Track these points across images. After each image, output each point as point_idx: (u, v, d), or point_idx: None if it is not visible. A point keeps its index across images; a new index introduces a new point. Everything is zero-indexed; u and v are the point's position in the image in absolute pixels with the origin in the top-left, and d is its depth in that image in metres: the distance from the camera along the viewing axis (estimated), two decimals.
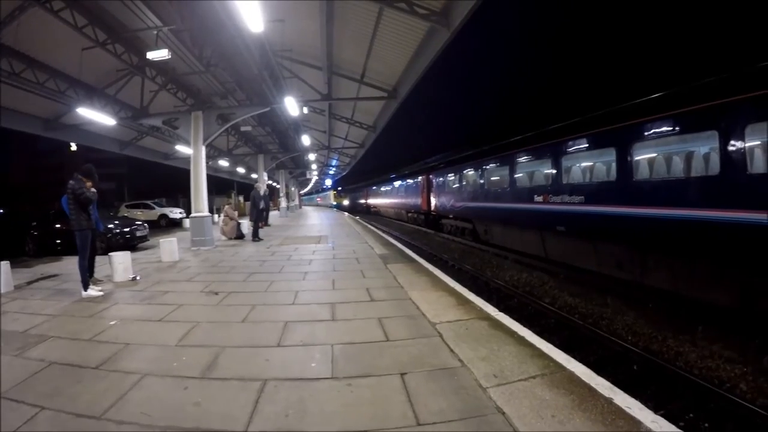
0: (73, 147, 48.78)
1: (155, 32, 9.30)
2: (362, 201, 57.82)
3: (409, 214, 31.57)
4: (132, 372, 3.65)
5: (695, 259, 7.77)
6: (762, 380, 5.32)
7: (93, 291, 6.78)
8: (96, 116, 13.01)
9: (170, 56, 9.46)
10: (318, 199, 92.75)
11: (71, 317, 5.57)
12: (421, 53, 11.96)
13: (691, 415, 4.71)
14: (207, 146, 13.59)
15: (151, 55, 9.28)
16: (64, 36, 10.36)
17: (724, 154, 6.96)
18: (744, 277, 6.88)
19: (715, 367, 5.76)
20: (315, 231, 18.25)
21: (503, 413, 2.83)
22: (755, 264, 6.56)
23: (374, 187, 49.75)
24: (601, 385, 3.23)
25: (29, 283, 8.01)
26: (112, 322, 5.22)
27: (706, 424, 4.54)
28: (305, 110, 17.97)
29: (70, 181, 6.68)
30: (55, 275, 8.72)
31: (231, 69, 11.81)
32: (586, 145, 10.58)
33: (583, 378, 3.35)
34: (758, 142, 6.57)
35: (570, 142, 11.12)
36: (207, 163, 14.66)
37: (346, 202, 67.19)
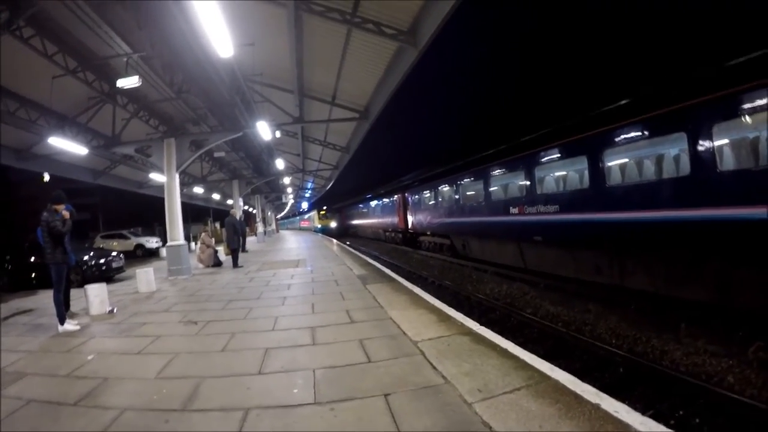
0: (46, 177, 47.71)
1: (125, 59, 9.20)
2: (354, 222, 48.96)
3: (387, 233, 31.59)
4: (111, 407, 3.52)
5: (672, 259, 7.92)
6: (748, 371, 5.41)
7: (69, 325, 6.54)
8: (68, 145, 12.74)
9: (140, 83, 9.38)
10: (303, 222, 77.40)
11: (48, 353, 5.38)
12: (391, 73, 12.11)
13: (681, 412, 4.72)
14: (181, 173, 13.42)
15: (122, 82, 9.18)
16: (34, 64, 10.18)
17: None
18: (719, 272, 7.04)
19: (701, 363, 5.84)
20: (293, 255, 18.06)
21: (490, 427, 2.79)
22: (729, 258, 6.73)
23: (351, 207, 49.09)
24: (587, 392, 3.22)
25: (5, 318, 7.73)
26: (89, 357, 5.04)
27: (697, 420, 4.55)
28: (278, 134, 17.93)
29: (44, 213, 6.49)
30: (30, 310, 8.43)
31: (202, 95, 11.73)
32: (557, 155, 10.78)
33: (569, 386, 3.34)
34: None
35: (541, 153, 11.33)
36: (182, 190, 14.46)
37: (333, 225, 55.66)
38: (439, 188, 19.48)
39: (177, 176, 13.09)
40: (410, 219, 24.24)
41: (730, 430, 4.32)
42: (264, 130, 13.54)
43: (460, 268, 16.08)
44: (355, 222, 46.43)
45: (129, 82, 9.17)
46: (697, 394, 5.01)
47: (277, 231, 59.54)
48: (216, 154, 21.40)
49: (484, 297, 10.79)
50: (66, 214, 6.67)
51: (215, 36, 7.21)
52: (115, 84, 9.96)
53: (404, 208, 25.15)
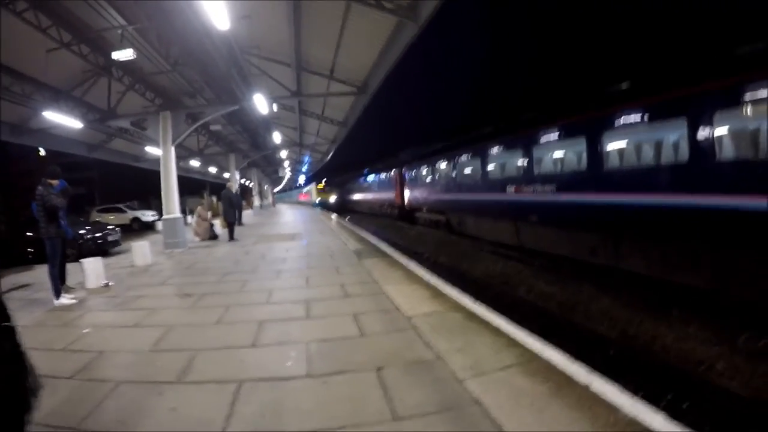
0: (42, 152, 47.27)
1: (120, 32, 9.00)
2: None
3: (383, 209, 31.56)
4: (107, 380, 3.54)
5: (669, 243, 7.94)
6: (738, 359, 5.45)
7: (65, 299, 6.54)
8: (63, 119, 12.59)
9: (135, 56, 9.18)
10: (301, 196, 71.07)
11: (44, 327, 5.37)
12: (390, 48, 11.89)
13: (670, 396, 4.75)
14: (177, 147, 13.31)
15: (117, 55, 9.00)
16: (27, 37, 9.90)
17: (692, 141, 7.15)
18: (715, 259, 7.05)
19: (691, 349, 5.88)
20: (289, 229, 18.08)
21: (480, 404, 2.82)
22: (726, 246, 6.74)
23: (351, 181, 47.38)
24: (578, 372, 3.23)
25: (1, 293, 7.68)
26: (85, 330, 5.06)
27: (685, 405, 4.57)
28: (275, 107, 17.74)
29: (39, 187, 6.43)
30: (26, 285, 8.36)
31: (199, 67, 11.54)
32: (557, 136, 10.69)
33: (560, 365, 3.36)
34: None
35: (540, 133, 11.23)
36: (178, 163, 14.34)
37: (333, 199, 50.72)
38: (437, 165, 19.38)
39: (173, 149, 13.02)
40: (407, 195, 24.19)
41: (717, 416, 4.36)
42: (261, 104, 13.39)
43: (455, 245, 16.12)
44: (353, 197, 45.40)
45: (124, 55, 8.99)
46: (687, 379, 5.05)
47: (274, 205, 59.42)
48: (212, 128, 21.13)
49: (479, 274, 10.84)
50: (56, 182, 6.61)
51: (211, 8, 7.09)
52: (110, 57, 9.78)
53: (401, 184, 25.08)
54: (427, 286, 6.30)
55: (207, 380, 3.45)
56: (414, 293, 5.85)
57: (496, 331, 4.18)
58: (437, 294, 5.77)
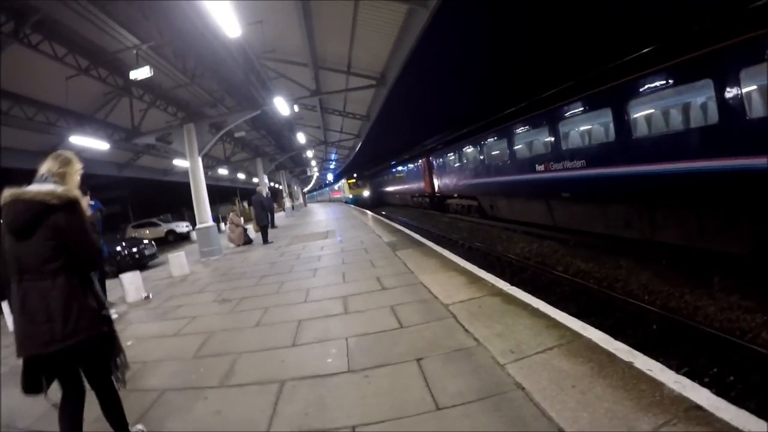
0: None
1: (135, 51, 9.19)
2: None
3: (414, 198, 31.53)
4: (152, 389, 3.65)
5: (705, 211, 7.67)
6: None
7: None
8: (89, 142, 12.96)
9: (152, 73, 9.31)
10: (334, 194, 66.94)
11: None
12: (404, 36, 11.78)
13: (716, 369, 4.61)
14: (204, 156, 13.55)
15: (134, 74, 9.15)
16: (46, 67, 10.25)
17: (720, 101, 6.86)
18: (754, 224, 6.78)
19: (735, 319, 5.68)
20: (322, 227, 18.21)
21: (523, 388, 2.79)
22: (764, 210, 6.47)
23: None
24: (620, 350, 3.15)
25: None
26: (129, 343, 5.16)
27: (732, 378, 4.43)
28: (296, 108, 17.84)
29: None
30: None
31: (216, 77, 11.71)
32: (582, 109, 10.44)
33: (601, 344, 3.29)
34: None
35: (565, 107, 10.99)
36: (206, 173, 14.60)
37: (366, 194, 47.98)
38: (464, 149, 19.21)
39: (200, 160, 13.25)
40: (436, 182, 24.08)
41: (765, 387, 4.21)
42: (282, 106, 13.50)
43: (489, 229, 15.97)
44: (385, 189, 44.57)
45: (141, 74, 9.12)
46: (732, 350, 4.88)
47: (305, 204, 59.95)
48: (237, 135, 21.46)
49: (515, 257, 10.71)
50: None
51: (222, 17, 7.17)
52: (128, 77, 9.96)
53: (429, 171, 24.97)
54: (463, 272, 6.26)
55: (249, 382, 3.52)
56: (450, 281, 5.83)
57: (535, 313, 4.12)
58: (474, 280, 5.73)
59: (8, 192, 2.35)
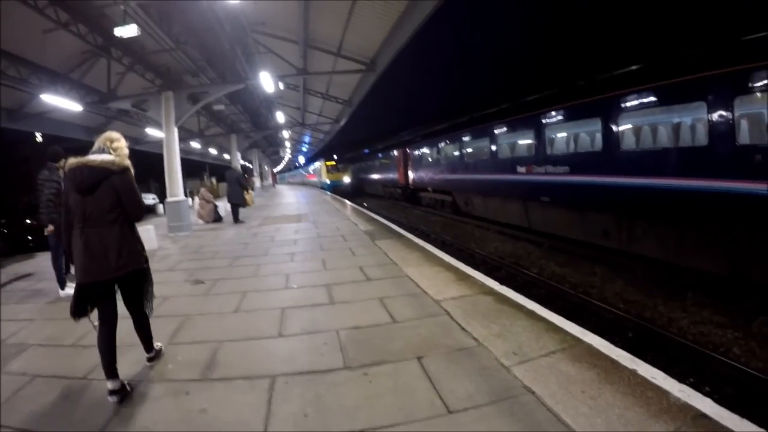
0: (39, 138, 46.50)
1: (122, 7, 8.65)
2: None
3: (386, 188, 31.38)
4: (124, 379, 3.12)
5: (684, 228, 7.85)
6: (753, 344, 5.43)
7: (71, 289, 6.28)
8: (61, 102, 12.21)
9: (139, 33, 8.82)
10: (309, 176, 60.11)
11: (50, 320, 4.95)
12: (402, 24, 11.53)
13: (692, 379, 4.67)
14: (178, 128, 13.03)
15: (119, 31, 8.52)
16: (23, 19, 9.52)
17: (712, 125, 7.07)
18: (732, 245, 6.98)
19: (708, 332, 5.86)
20: (293, 209, 17.94)
21: (533, 392, 2.72)
22: (744, 233, 6.66)
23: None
24: (623, 357, 3.15)
25: (2, 285, 7.21)
26: (95, 323, 4.82)
27: (707, 388, 4.52)
28: (281, 86, 17.40)
29: (44, 171, 5.98)
30: (29, 274, 7.94)
31: (202, 45, 11.20)
32: (572, 116, 10.53)
33: (603, 350, 3.27)
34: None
35: (555, 113, 11.04)
36: (179, 145, 14.06)
37: (347, 180, 41.67)
38: (444, 144, 19.18)
39: (176, 130, 12.74)
40: (411, 175, 24.02)
41: (738, 399, 4.26)
42: (267, 82, 13.08)
43: (462, 225, 16.02)
44: (363, 176, 40.96)
45: (127, 32, 8.56)
46: (706, 362, 5.06)
47: (274, 185, 59.02)
48: (215, 107, 20.74)
49: (488, 255, 10.76)
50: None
51: None
52: (110, 36, 9.46)
53: (406, 163, 24.90)
54: (449, 267, 6.18)
55: (236, 376, 3.23)
56: (437, 275, 5.73)
57: (532, 315, 4.07)
58: (462, 276, 5.65)
59: (74, 160, 3.07)
